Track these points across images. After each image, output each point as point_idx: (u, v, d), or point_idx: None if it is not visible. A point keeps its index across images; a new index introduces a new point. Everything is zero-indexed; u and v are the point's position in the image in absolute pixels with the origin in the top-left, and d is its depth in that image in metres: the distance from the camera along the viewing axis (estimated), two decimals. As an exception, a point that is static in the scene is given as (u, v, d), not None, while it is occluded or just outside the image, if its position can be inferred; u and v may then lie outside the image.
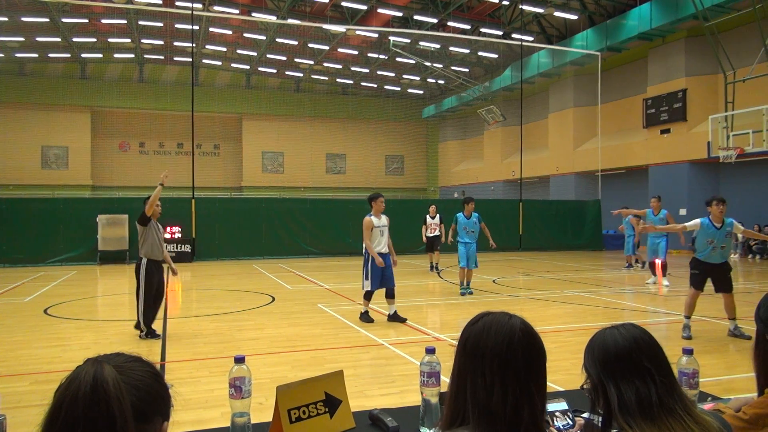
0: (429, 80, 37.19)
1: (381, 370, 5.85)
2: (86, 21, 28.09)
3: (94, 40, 31.49)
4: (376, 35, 29.30)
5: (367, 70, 35.38)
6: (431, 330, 7.83)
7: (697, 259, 7.36)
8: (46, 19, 26.96)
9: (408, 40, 28.76)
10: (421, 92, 40.50)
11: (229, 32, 30.33)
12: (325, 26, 25.28)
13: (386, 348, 6.71)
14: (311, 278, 14.03)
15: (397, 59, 31.49)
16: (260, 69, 36.61)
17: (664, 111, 22.42)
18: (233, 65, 36.35)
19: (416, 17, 26.55)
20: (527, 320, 1.37)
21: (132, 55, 34.47)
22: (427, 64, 31.32)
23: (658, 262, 12.53)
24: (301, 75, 37.78)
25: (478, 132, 36.60)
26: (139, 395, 1.11)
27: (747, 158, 18.32)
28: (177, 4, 24.47)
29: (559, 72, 27.99)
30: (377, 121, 40.85)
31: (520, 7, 25.29)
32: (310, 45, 30.77)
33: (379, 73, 35.89)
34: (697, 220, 7.38)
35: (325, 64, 35.06)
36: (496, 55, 31.26)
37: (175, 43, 31.37)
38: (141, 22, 28.35)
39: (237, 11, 26.21)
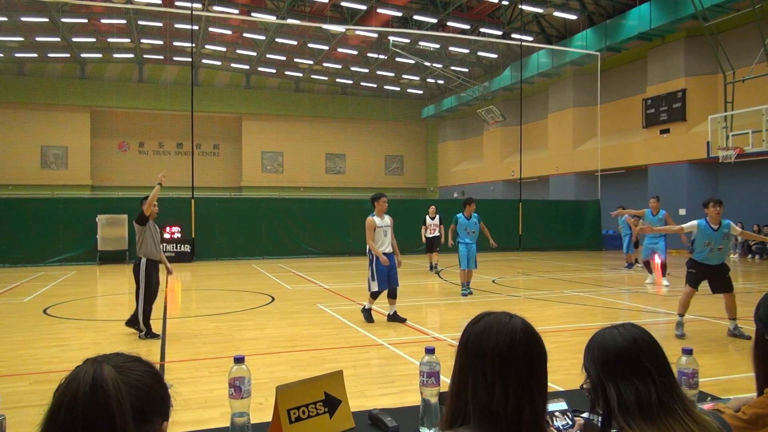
0: (428, 80, 37.18)
1: (381, 370, 5.85)
2: (86, 21, 28.07)
3: (93, 40, 31.47)
4: (375, 35, 29.30)
5: (366, 70, 35.36)
6: (431, 330, 7.84)
7: (694, 260, 7.36)
8: (46, 19, 26.95)
9: (407, 40, 28.76)
10: (421, 92, 40.49)
11: (229, 32, 30.31)
12: (325, 26, 25.27)
13: (386, 348, 6.71)
14: (311, 278, 14.03)
15: (397, 59, 31.50)
16: (260, 69, 36.59)
17: (663, 111, 22.41)
18: (233, 65, 36.33)
19: (416, 17, 26.54)
20: (527, 320, 1.37)
21: (131, 55, 34.44)
22: (427, 64, 31.30)
23: (657, 261, 12.53)
24: (300, 75, 37.76)
25: (478, 132, 36.59)
26: (139, 395, 1.11)
27: (746, 158, 18.33)
28: (176, 4, 24.45)
29: (559, 72, 27.98)
30: (377, 121, 40.84)
31: (520, 7, 25.29)
32: (310, 45, 30.75)
33: (378, 73, 35.88)
34: (694, 222, 7.36)
35: (325, 64, 35.05)
36: (495, 55, 31.26)
37: (175, 43, 31.36)
38: (140, 22, 28.34)
39: (236, 11, 26.20)
